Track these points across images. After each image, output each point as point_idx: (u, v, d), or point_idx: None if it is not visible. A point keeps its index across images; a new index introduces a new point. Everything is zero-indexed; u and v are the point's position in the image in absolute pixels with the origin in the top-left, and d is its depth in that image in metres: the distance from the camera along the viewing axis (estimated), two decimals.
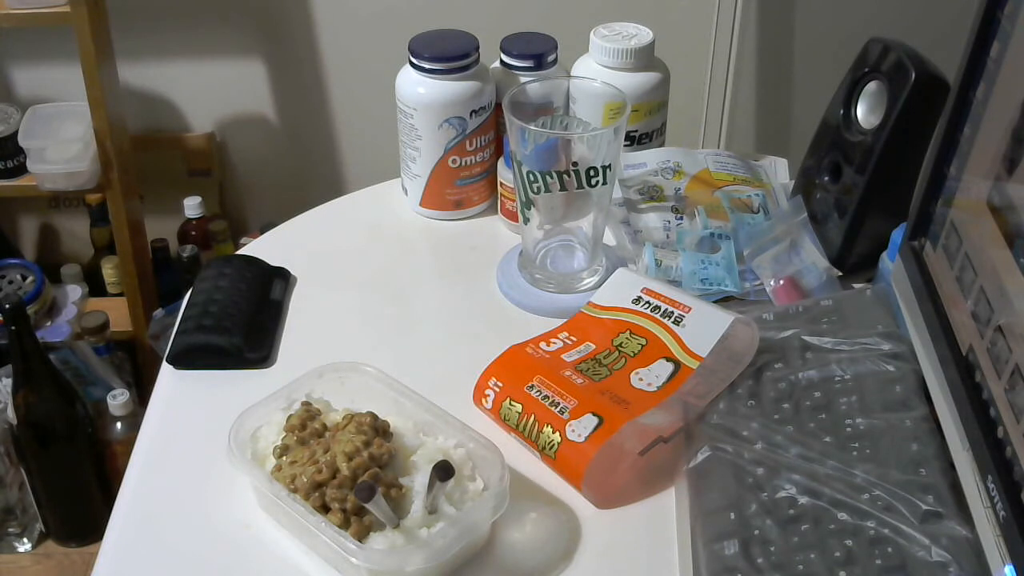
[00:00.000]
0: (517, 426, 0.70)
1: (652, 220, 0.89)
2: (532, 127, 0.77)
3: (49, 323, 1.65)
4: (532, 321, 0.83)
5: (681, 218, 0.89)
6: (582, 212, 0.82)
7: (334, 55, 1.68)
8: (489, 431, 0.69)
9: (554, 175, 0.78)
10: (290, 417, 0.67)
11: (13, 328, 1.33)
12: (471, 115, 0.90)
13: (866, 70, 0.82)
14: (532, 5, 1.58)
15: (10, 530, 1.55)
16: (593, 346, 0.75)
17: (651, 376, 0.71)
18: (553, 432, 0.68)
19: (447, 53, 0.89)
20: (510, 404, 0.71)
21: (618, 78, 0.90)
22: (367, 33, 1.64)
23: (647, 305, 0.76)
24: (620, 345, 0.74)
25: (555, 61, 0.94)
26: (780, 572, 0.57)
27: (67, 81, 1.57)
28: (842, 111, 0.84)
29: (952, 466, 0.59)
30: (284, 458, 0.64)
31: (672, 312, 0.74)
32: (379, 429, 0.65)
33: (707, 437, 0.66)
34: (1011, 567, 0.50)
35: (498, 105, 0.92)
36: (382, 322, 0.85)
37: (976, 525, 0.55)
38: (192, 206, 1.69)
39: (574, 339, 0.76)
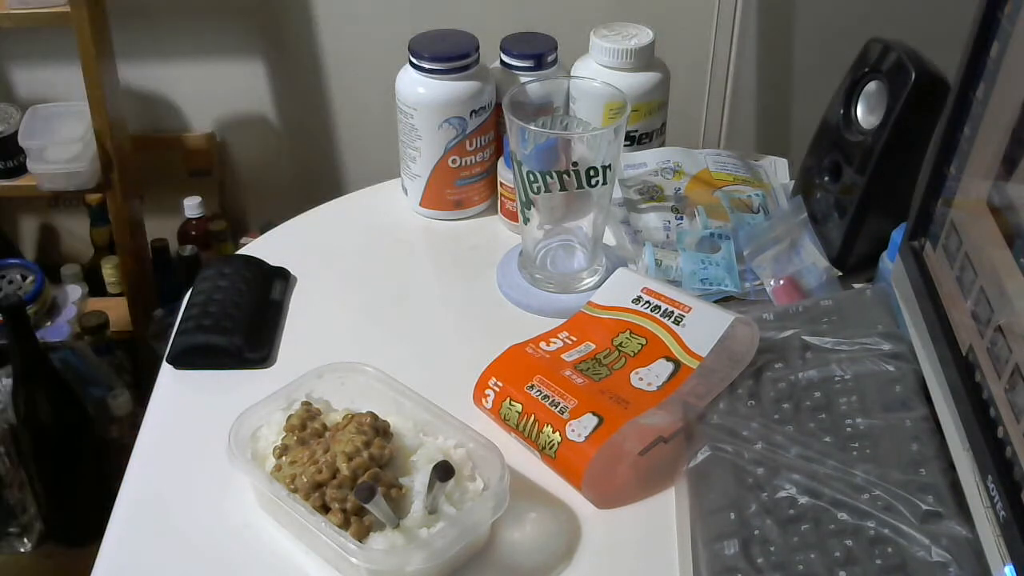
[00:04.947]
0: (517, 426, 0.70)
1: (652, 220, 0.89)
2: (532, 127, 0.77)
3: (49, 323, 1.64)
4: (532, 321, 0.83)
5: (681, 218, 0.89)
6: (582, 212, 0.82)
7: (334, 55, 1.68)
8: (489, 431, 0.69)
9: (554, 175, 0.78)
10: (290, 417, 0.67)
11: (13, 328, 1.33)
12: (471, 115, 0.90)
13: (866, 70, 0.82)
14: (532, 5, 1.58)
15: (10, 530, 1.55)
16: (593, 346, 0.75)
17: (651, 376, 0.71)
18: (553, 432, 0.68)
19: (447, 53, 0.89)
20: (510, 404, 0.71)
21: (618, 78, 0.90)
22: (367, 33, 1.64)
23: (647, 305, 0.76)
24: (620, 345, 0.74)
25: (555, 61, 0.94)
26: (780, 572, 0.57)
27: (67, 81, 1.57)
28: (842, 111, 0.84)
29: (952, 466, 0.59)
30: (284, 458, 0.64)
31: (672, 312, 0.74)
32: (379, 429, 0.65)
33: (707, 437, 0.66)
34: (1011, 567, 0.50)
35: (498, 105, 0.92)
36: (382, 322, 0.85)
37: (976, 525, 0.55)
38: (192, 206, 1.69)
39: (574, 339, 0.76)
